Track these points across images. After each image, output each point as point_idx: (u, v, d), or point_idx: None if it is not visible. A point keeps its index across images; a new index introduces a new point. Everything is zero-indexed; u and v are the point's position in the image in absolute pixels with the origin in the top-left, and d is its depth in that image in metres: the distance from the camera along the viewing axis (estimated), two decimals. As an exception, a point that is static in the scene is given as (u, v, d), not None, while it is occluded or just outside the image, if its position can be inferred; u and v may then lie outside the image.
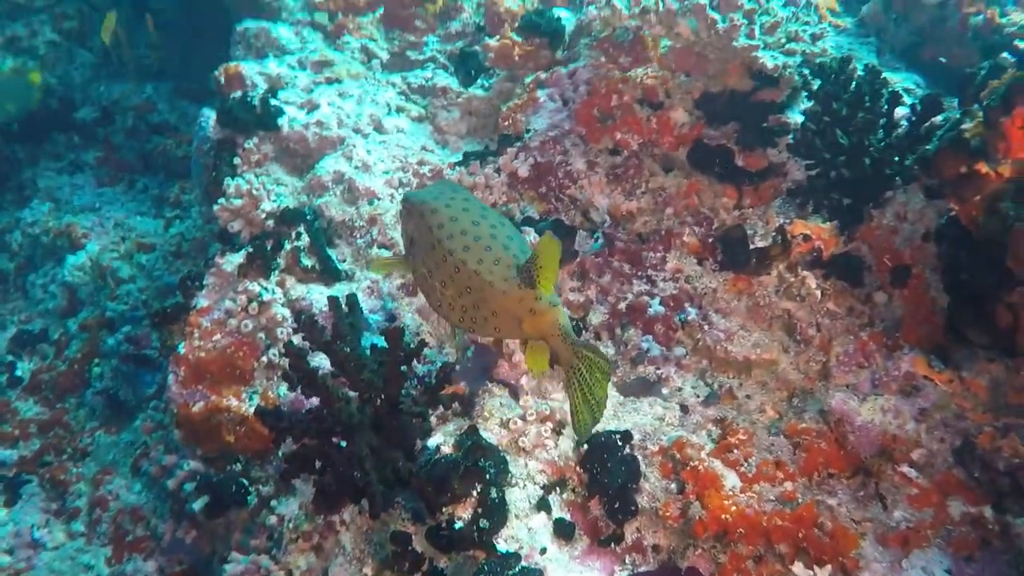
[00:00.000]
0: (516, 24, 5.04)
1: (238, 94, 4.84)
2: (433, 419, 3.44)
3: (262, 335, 3.94)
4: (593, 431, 2.45)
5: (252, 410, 3.83)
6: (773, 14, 3.46)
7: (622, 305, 3.66)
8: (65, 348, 5.88)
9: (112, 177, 7.34)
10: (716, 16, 3.36)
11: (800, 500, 2.97)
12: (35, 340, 6.02)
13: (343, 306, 3.38)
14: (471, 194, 2.67)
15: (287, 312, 3.97)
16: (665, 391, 3.50)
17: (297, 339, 3.72)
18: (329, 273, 4.15)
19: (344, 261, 4.19)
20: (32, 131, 7.12)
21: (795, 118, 3.75)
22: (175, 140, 7.07)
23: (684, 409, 3.40)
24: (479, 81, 5.08)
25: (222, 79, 5.12)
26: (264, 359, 3.92)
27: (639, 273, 3.76)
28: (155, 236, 6.38)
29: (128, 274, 6.04)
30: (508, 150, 4.14)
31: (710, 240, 3.76)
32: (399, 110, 5.01)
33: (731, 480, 3.04)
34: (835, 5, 4.57)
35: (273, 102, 4.75)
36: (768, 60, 3.38)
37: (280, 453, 3.69)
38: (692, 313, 3.58)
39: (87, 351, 5.76)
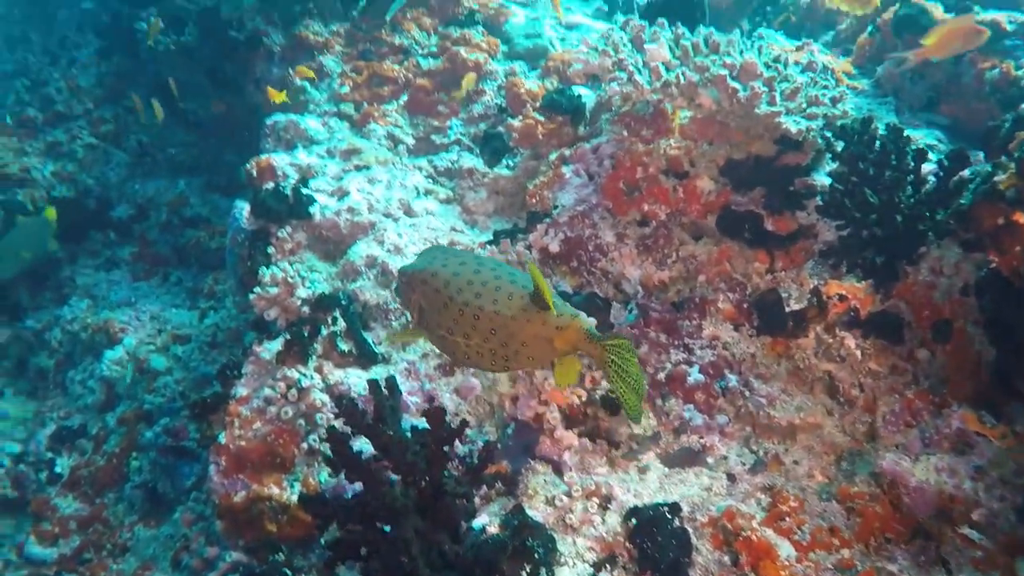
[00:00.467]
0: (538, 103, 5.18)
1: (270, 185, 4.98)
2: (477, 500, 3.40)
3: (302, 421, 3.95)
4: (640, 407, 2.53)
5: (294, 498, 3.82)
6: (792, 80, 3.52)
7: (661, 375, 3.64)
8: (103, 443, 5.91)
9: (147, 271, 7.50)
10: (737, 85, 3.43)
11: (859, 567, 2.89)
12: (74, 436, 6.07)
13: (383, 389, 3.39)
14: (455, 248, 2.89)
15: (326, 398, 3.99)
16: (710, 460, 3.45)
17: (338, 424, 3.73)
18: (366, 357, 4.18)
19: (380, 344, 4.22)
20: (71, 232, 7.33)
21: (821, 180, 3.78)
22: (208, 232, 7.24)
23: (731, 478, 3.35)
24: (504, 161, 5.19)
25: (254, 172, 5.26)
26: (304, 445, 3.92)
27: (676, 342, 3.75)
28: (190, 327, 6.48)
29: (165, 366, 6.12)
30: (538, 227, 4.19)
31: (745, 305, 3.75)
32: (427, 193, 5.11)
33: (785, 549, 2.96)
34: (850, 68, 4.66)
35: (304, 191, 4.87)
36: (791, 125, 3.44)
37: (323, 541, 3.65)
38: (732, 380, 3.55)
39: (125, 445, 5.79)
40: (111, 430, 5.96)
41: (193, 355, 6.11)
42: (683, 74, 3.57)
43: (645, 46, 3.79)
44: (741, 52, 3.63)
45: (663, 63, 3.66)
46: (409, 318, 4.24)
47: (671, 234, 4.10)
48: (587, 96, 5.14)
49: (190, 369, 6.01)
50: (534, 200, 4.60)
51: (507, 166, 5.19)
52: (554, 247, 4.12)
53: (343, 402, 3.23)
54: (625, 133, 4.44)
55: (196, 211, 7.70)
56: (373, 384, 3.42)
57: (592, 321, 2.46)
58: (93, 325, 6.55)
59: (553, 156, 4.77)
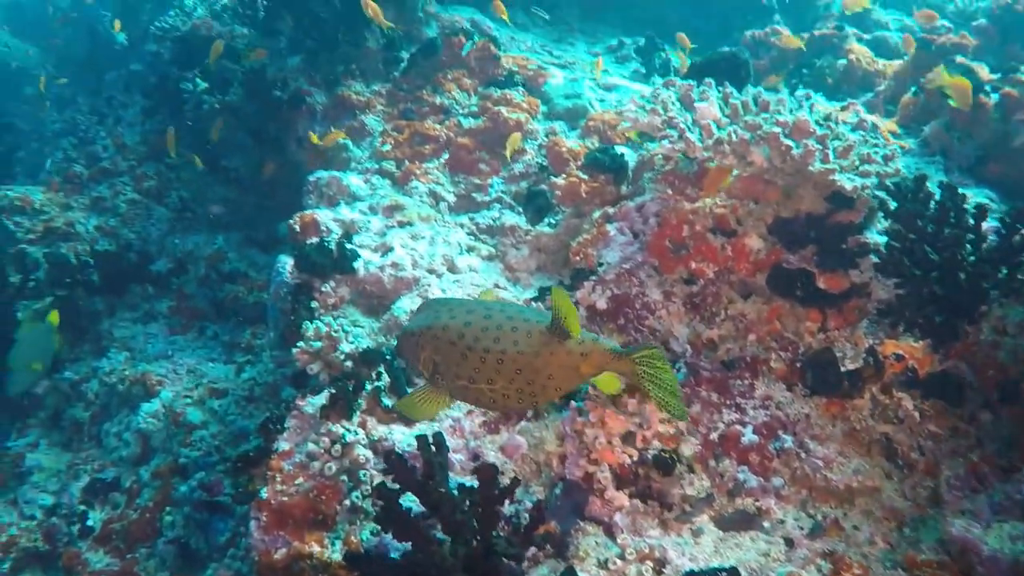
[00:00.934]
0: (580, 162, 5.22)
1: (314, 240, 5.02)
2: (524, 561, 3.32)
3: (345, 478, 3.90)
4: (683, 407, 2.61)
5: (335, 556, 3.74)
6: (844, 138, 3.53)
7: (714, 435, 3.56)
8: (137, 496, 5.88)
9: (184, 325, 7.55)
10: (791, 143, 3.44)
11: (930, 641, 2.76)
12: (107, 489, 6.05)
13: (431, 445, 3.34)
14: (454, 298, 2.93)
15: (370, 454, 3.94)
16: (766, 524, 3.34)
17: (387, 480, 3.68)
18: (410, 412, 4.13)
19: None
20: (112, 285, 7.42)
21: (874, 238, 3.75)
22: (246, 287, 7.29)
23: (789, 543, 3.24)
24: (546, 219, 5.21)
25: (297, 227, 5.32)
26: (347, 502, 3.86)
27: (728, 402, 3.68)
28: (227, 382, 6.48)
29: (201, 420, 6.10)
30: (585, 284, 4.17)
31: (798, 365, 3.69)
32: (470, 249, 5.13)
33: (851, 620, 2.85)
34: (895, 128, 4.67)
35: (348, 246, 4.90)
36: (846, 182, 3.42)
37: (365, 601, 3.56)
38: (788, 441, 3.46)
39: (159, 499, 5.75)
40: (145, 483, 5.93)
41: (230, 409, 6.10)
42: (735, 132, 3.58)
43: (695, 104, 3.82)
44: (791, 111, 3.65)
45: (714, 121, 3.67)
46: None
47: (719, 292, 4.06)
48: (629, 155, 5.17)
49: (227, 423, 6.00)
50: (578, 257, 4.60)
51: (549, 224, 5.21)
52: (601, 304, 4.09)
53: (392, 457, 3.18)
54: (669, 191, 4.45)
55: (234, 266, 7.77)
56: (422, 440, 3.38)
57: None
58: (131, 377, 6.57)
59: (596, 214, 4.78)
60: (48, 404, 7.02)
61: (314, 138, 6.30)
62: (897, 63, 6.36)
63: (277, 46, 7.53)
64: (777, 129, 3.44)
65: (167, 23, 8.73)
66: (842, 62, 6.55)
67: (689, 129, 3.73)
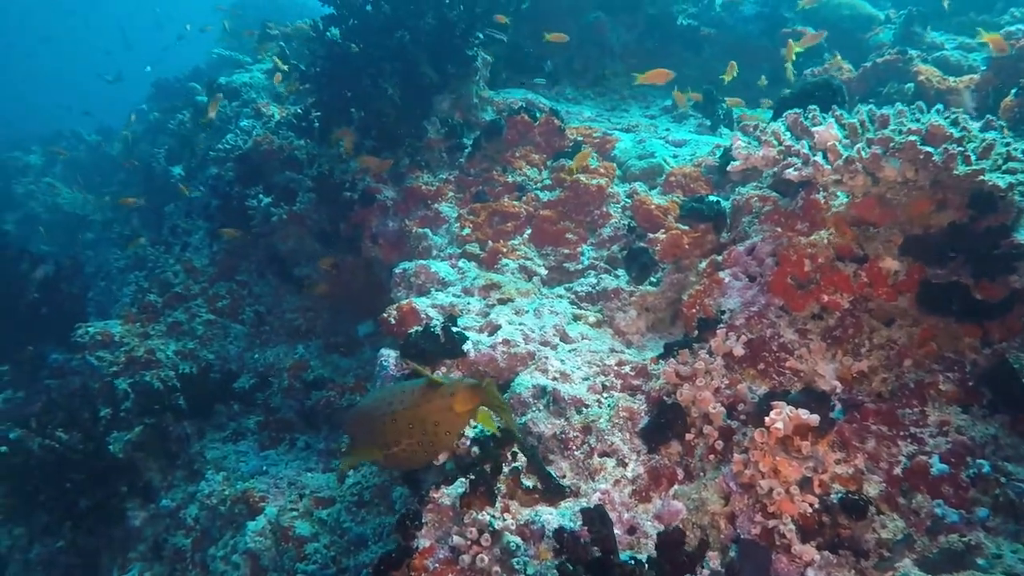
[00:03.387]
0: (673, 215, 5.10)
1: (417, 329, 4.90)
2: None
3: (497, 568, 3.66)
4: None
5: (501, 654, 3.48)
6: (979, 139, 3.37)
7: (897, 470, 3.30)
8: (254, 622, 5.63)
9: (273, 439, 7.42)
10: (930, 150, 3.29)
11: None
12: (222, 618, 5.81)
13: (597, 520, 3.14)
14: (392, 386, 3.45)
15: (519, 540, 3.70)
16: (981, 561, 3.03)
17: (532, 562, 3.44)
18: (552, 491, 3.91)
19: (564, 476, 3.97)
20: (198, 407, 7.35)
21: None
22: (337, 391, 7.18)
23: (1015, 579, 2.93)
24: (648, 277, 5.07)
25: (392, 319, 5.21)
26: (503, 594, 3.61)
27: (902, 433, 3.42)
28: (330, 490, 6.28)
29: (311, 532, 5.89)
30: (717, 332, 3.99)
31: (970, 384, 3.44)
32: (576, 318, 4.98)
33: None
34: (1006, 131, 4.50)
35: (455, 329, 4.78)
36: (1000, 182, 3.25)
37: None
38: (986, 467, 3.18)
39: (278, 621, 5.49)
40: (261, 606, 5.69)
41: (341, 517, 5.88)
42: (863, 148, 3.44)
43: (812, 129, 3.70)
44: (914, 121, 3.51)
45: (837, 143, 3.55)
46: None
47: (859, 322, 3.85)
48: (724, 203, 5.06)
49: (340, 532, 5.77)
50: (694, 310, 4.43)
51: (651, 282, 5.07)
52: (739, 351, 3.89)
53: (564, 536, 2.98)
54: (779, 230, 4.31)
55: (317, 373, 7.69)
56: (588, 514, 3.18)
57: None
58: (232, 497, 6.40)
59: (703, 265, 4.63)
60: (147, 535, 6.88)
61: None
62: (967, 78, 6.24)
63: (337, 151, 7.63)
64: (913, 138, 3.30)
65: (227, 145, 8.94)
66: (909, 85, 6.45)
67: (812, 154, 3.61)
